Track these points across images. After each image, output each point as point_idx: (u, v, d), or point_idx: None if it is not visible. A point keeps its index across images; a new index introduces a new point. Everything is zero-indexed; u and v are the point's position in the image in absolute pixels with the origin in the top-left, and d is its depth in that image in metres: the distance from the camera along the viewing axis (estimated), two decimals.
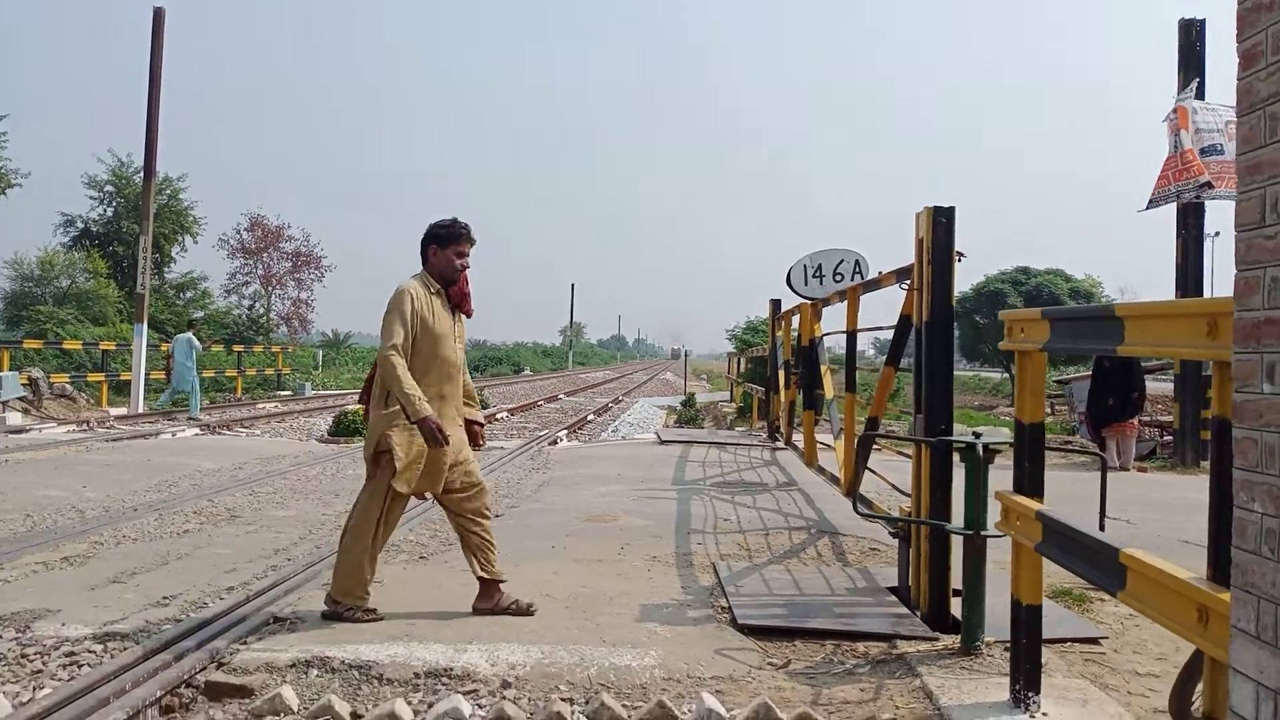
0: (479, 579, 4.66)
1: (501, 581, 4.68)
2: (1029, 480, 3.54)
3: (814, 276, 9.07)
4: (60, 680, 3.75)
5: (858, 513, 5.00)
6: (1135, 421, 12.06)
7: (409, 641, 4.13)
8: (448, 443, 4.41)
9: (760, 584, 5.31)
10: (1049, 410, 26.67)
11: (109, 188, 36.47)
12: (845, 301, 7.32)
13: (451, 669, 3.85)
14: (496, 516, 7.31)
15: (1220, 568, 2.25)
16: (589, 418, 21.09)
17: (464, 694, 3.66)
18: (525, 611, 4.57)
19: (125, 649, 4.05)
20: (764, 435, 13.80)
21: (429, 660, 3.92)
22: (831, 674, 4.01)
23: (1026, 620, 3.51)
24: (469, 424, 4.79)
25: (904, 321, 5.44)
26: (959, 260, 4.96)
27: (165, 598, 4.85)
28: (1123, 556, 2.65)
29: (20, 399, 17.58)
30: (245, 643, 4.14)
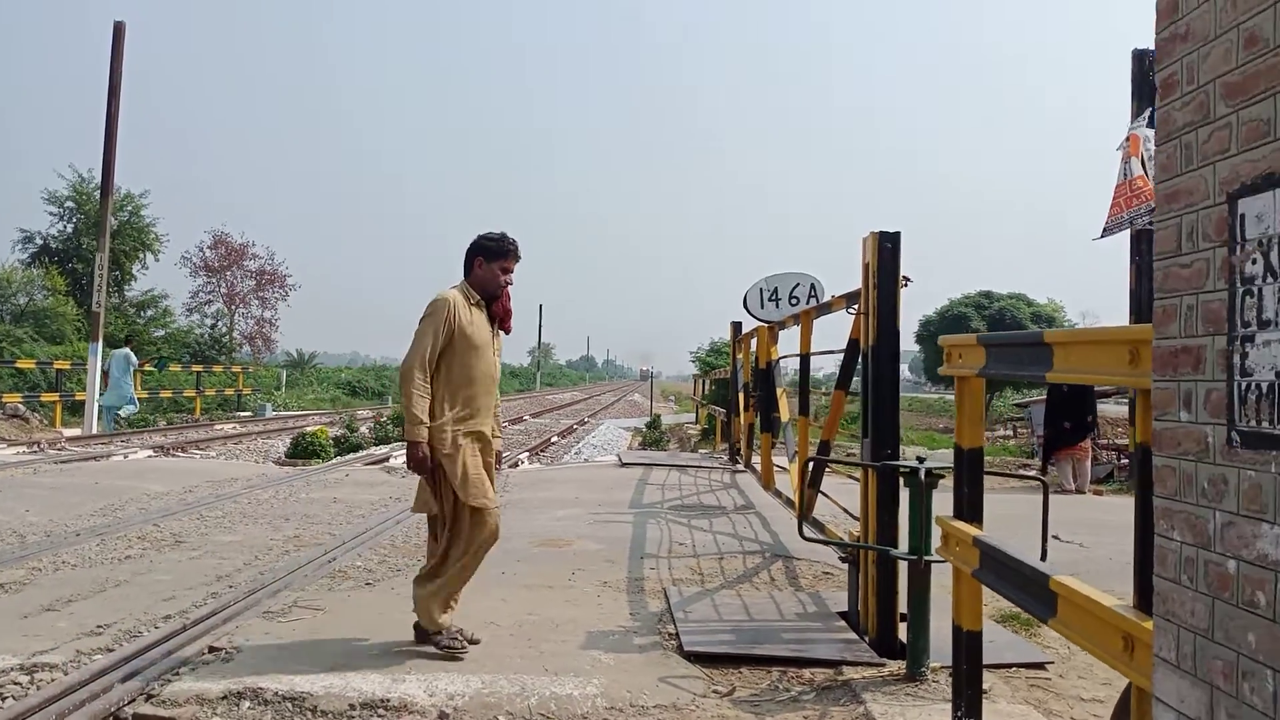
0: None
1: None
2: (968, 505, 3.53)
3: (770, 300, 9.09)
4: None
5: (803, 536, 4.97)
6: (1088, 444, 12.16)
7: (345, 672, 4.04)
8: (433, 473, 4.35)
9: (710, 609, 5.27)
10: (1010, 433, 27.04)
11: (69, 203, 36.00)
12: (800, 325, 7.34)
13: (388, 700, 3.77)
14: None
15: (1145, 595, 2.25)
16: (553, 440, 20.99)
17: None
18: (469, 643, 4.43)
19: (53, 680, 3.94)
20: (726, 458, 13.79)
21: (365, 691, 3.84)
22: (776, 701, 3.97)
23: (967, 646, 3.49)
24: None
25: (853, 345, 5.45)
26: (905, 285, 4.98)
27: (99, 626, 4.73)
28: (1053, 584, 2.63)
29: None
30: (178, 674, 4.04)
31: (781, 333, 8.93)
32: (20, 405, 19.79)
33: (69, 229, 36.19)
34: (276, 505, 9.00)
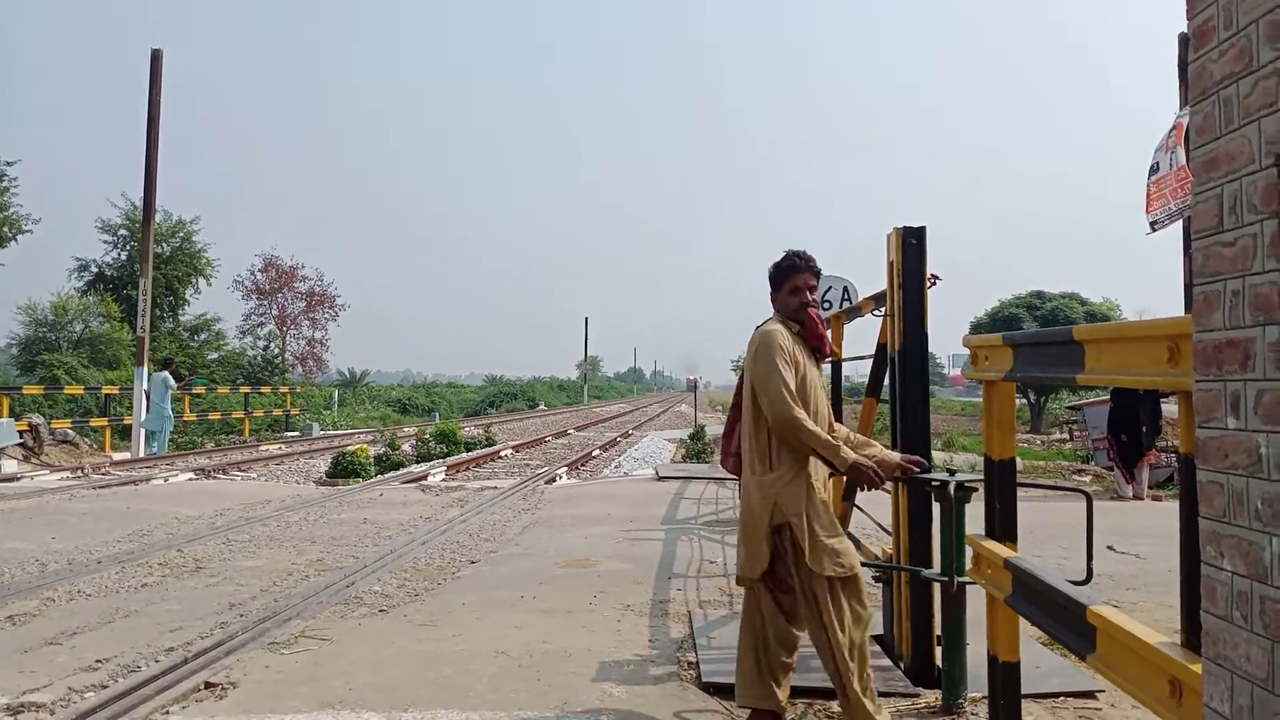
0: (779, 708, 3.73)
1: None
2: (1001, 523, 3.20)
3: None
4: None
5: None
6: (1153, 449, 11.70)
7: (340, 709, 3.82)
8: (884, 480, 3.65)
9: (735, 635, 4.94)
10: (1066, 435, 26.25)
11: (122, 231, 36.63)
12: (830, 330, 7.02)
13: None
14: (472, 563, 7.03)
15: (1194, 632, 1.93)
16: (594, 453, 20.75)
17: None
18: None
19: None
20: None
21: None
22: None
23: (1004, 678, 3.17)
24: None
25: (881, 350, 5.14)
26: (933, 284, 4.68)
27: (98, 661, 4.56)
28: (1091, 615, 2.32)
29: (20, 445, 17.45)
30: (167, 713, 3.85)
31: None
32: (70, 430, 20.02)
33: (123, 256, 36.82)
34: (305, 528, 8.86)
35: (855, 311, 6.45)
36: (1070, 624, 2.47)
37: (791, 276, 3.82)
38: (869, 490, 3.67)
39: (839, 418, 7.05)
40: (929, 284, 4.64)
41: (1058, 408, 34.38)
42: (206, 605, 5.71)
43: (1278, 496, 1.57)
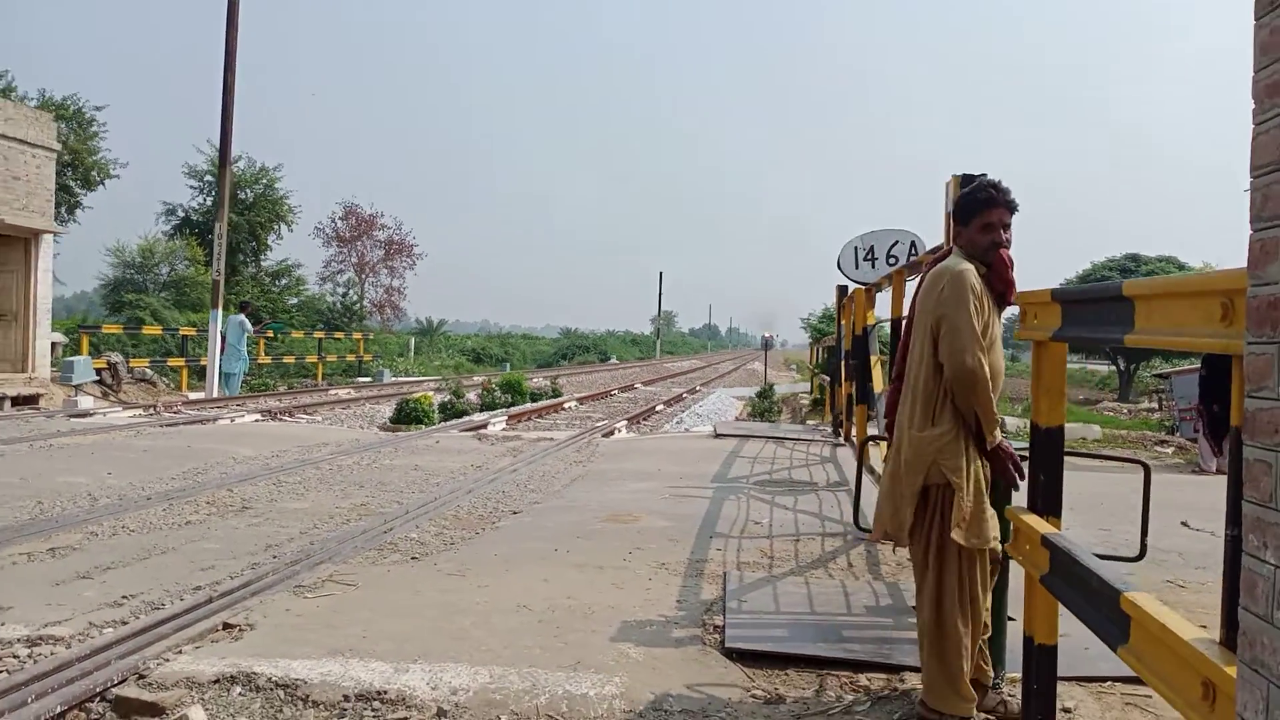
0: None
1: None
2: (1044, 496, 2.94)
3: (865, 260, 8.43)
4: None
5: (857, 526, 4.35)
6: None
7: (349, 657, 3.74)
8: (1023, 479, 3.24)
9: (769, 599, 4.79)
10: (1156, 405, 25.27)
11: (208, 177, 37.41)
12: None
13: (385, 692, 3.45)
14: (514, 514, 6.96)
15: (1233, 630, 1.69)
16: (658, 408, 20.63)
17: None
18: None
19: (52, 654, 3.77)
20: (830, 430, 13.15)
21: (364, 681, 3.52)
22: (821, 712, 3.48)
23: (1039, 662, 2.93)
24: None
25: None
26: None
27: (125, 596, 4.58)
28: (1124, 602, 2.08)
29: (98, 382, 17.99)
30: (180, 651, 3.82)
31: (880, 295, 8.28)
32: (148, 370, 20.59)
33: (208, 202, 37.66)
34: (357, 472, 8.89)
35: (917, 266, 6.15)
36: (1104, 610, 2.23)
37: (985, 211, 3.39)
38: (1006, 481, 3.36)
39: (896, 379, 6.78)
40: None
41: (1148, 375, 33.21)
42: (244, 545, 5.73)
43: None
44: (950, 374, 3.26)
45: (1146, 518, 3.69)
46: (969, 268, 3.34)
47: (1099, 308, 2.47)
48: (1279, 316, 1.46)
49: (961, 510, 3.22)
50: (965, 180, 4.19)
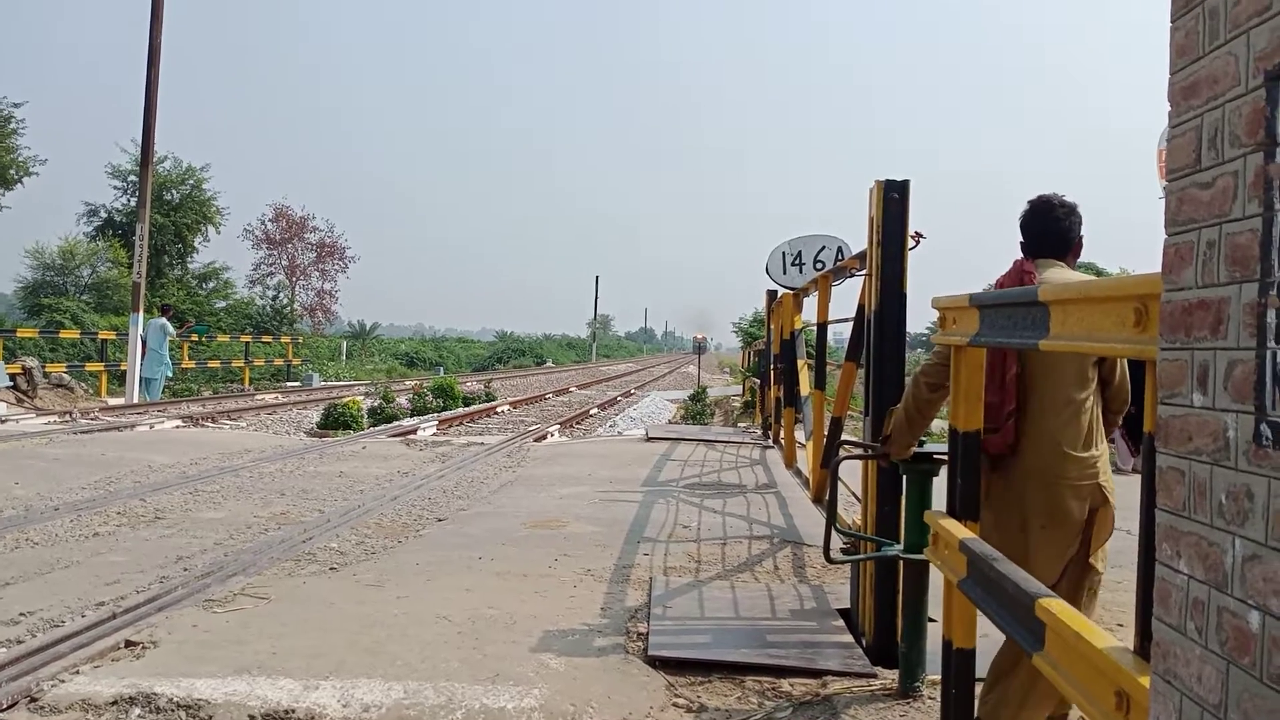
0: None
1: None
2: (961, 501, 2.93)
3: (793, 264, 8.46)
4: None
5: (829, 559, 4.01)
6: None
7: (257, 675, 3.59)
8: None
9: (694, 605, 4.73)
10: None
11: (132, 177, 36.35)
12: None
13: (293, 711, 3.31)
14: (438, 521, 6.82)
15: (1147, 640, 1.66)
16: (591, 411, 20.54)
17: None
18: None
19: None
20: (760, 432, 13.20)
21: (271, 700, 3.38)
22: None
23: (957, 666, 2.91)
24: None
25: (860, 312, 4.85)
26: (916, 243, 4.37)
27: (22, 614, 4.35)
28: (1039, 609, 2.05)
29: (11, 388, 17.31)
30: (78, 671, 3.64)
31: (807, 300, 8.31)
32: (65, 375, 19.88)
33: (132, 202, 36.59)
34: (279, 480, 8.66)
35: (842, 271, 6.17)
36: (1019, 617, 2.20)
37: (1080, 235, 3.30)
38: None
39: (821, 383, 6.79)
40: (912, 243, 4.35)
41: None
42: (153, 558, 5.51)
43: (1245, 489, 1.29)
44: (1125, 399, 3.28)
45: None
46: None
47: (1015, 312, 2.44)
48: (1191, 322, 1.43)
49: (1104, 535, 3.16)
50: (890, 186, 4.19)
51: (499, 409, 19.92)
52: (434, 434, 14.16)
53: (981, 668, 3.00)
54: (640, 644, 4.10)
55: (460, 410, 18.37)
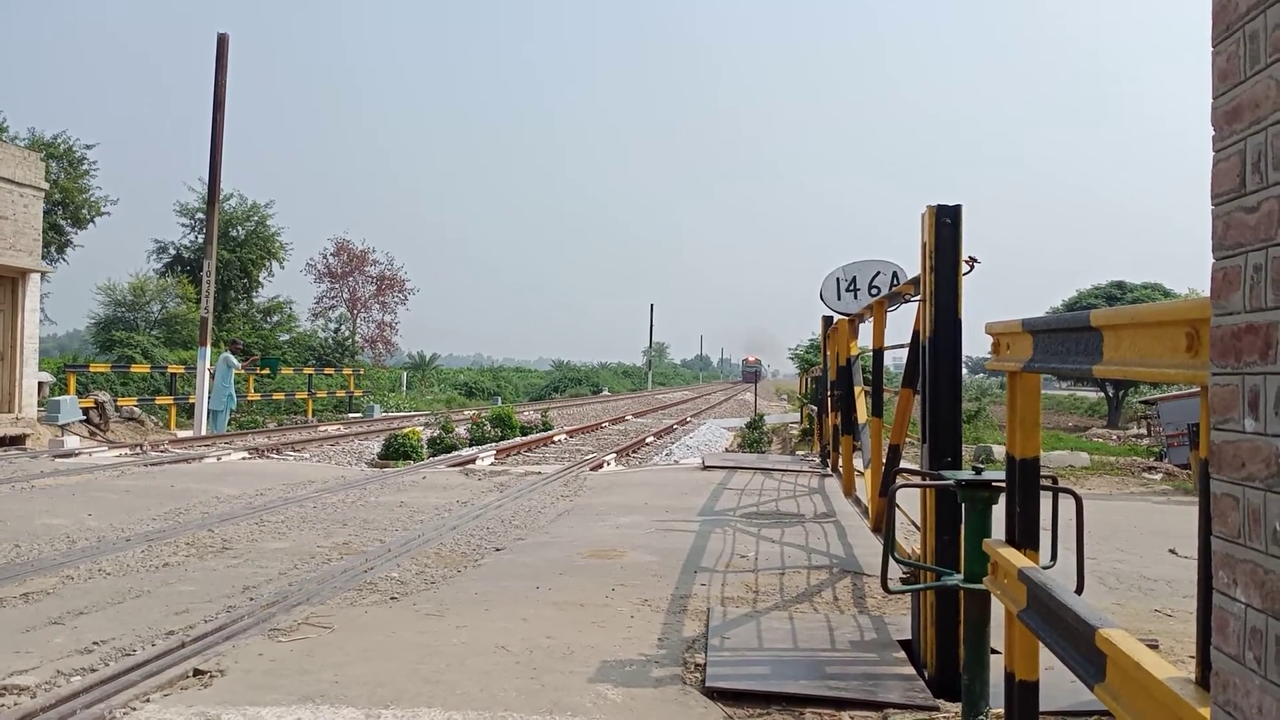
0: None
1: None
2: (1021, 529, 2.90)
3: (848, 290, 8.43)
4: None
5: (886, 590, 3.99)
6: None
7: (320, 703, 3.66)
8: None
9: (753, 636, 4.71)
10: (1144, 431, 25.26)
11: (199, 215, 37.45)
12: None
13: None
14: (496, 550, 6.87)
15: (1208, 669, 1.63)
16: (648, 440, 20.55)
17: None
18: None
19: (16, 704, 3.67)
20: (818, 460, 13.09)
21: None
22: None
23: (1020, 699, 2.87)
24: None
25: (916, 338, 4.82)
26: (970, 267, 4.35)
27: (96, 643, 4.48)
28: (1100, 639, 2.02)
29: (84, 422, 17.85)
30: (148, 699, 3.73)
31: (863, 326, 8.26)
32: (136, 409, 20.46)
33: (200, 239, 37.69)
34: (341, 510, 8.80)
35: (897, 297, 6.13)
36: (1080, 647, 2.17)
37: None
38: None
39: (879, 410, 6.74)
40: (966, 267, 4.32)
41: (1136, 401, 33.26)
42: (221, 587, 5.63)
43: None
44: None
45: (1081, 550, 3.59)
46: None
47: (1068, 338, 2.43)
48: (1241, 347, 1.42)
49: None
50: (942, 211, 4.18)
51: (556, 438, 20.03)
52: (492, 463, 14.28)
53: (1045, 700, 2.94)
54: (698, 675, 4.09)
55: (518, 439, 18.51)
